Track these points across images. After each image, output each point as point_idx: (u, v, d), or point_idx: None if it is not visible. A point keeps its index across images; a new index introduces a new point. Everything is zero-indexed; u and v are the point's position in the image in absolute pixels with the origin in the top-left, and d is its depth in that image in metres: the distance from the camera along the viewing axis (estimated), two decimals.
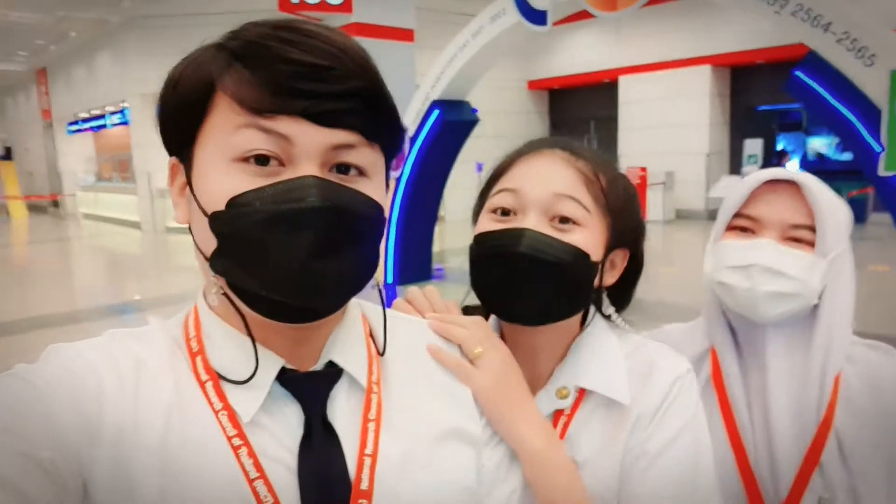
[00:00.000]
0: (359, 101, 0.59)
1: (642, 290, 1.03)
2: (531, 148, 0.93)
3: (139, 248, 12.95)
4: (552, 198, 0.85)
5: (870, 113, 4.15)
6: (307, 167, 0.58)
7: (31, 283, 9.33)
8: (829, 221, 0.98)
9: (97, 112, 17.32)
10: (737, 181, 1.04)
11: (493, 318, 0.96)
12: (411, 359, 0.74)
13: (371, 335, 0.73)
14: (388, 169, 0.68)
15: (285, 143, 0.57)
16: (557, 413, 0.89)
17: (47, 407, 0.54)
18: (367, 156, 0.62)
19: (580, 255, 0.85)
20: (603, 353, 0.91)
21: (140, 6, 12.75)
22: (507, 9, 6.04)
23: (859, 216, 11.17)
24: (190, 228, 0.63)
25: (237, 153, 0.58)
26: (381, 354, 0.71)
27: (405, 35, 8.58)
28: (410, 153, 7.15)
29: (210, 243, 0.59)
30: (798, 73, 4.44)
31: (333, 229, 0.57)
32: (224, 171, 0.58)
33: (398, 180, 7.28)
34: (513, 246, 0.83)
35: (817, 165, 18.21)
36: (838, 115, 4.31)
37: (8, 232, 16.37)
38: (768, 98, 13.03)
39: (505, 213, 0.88)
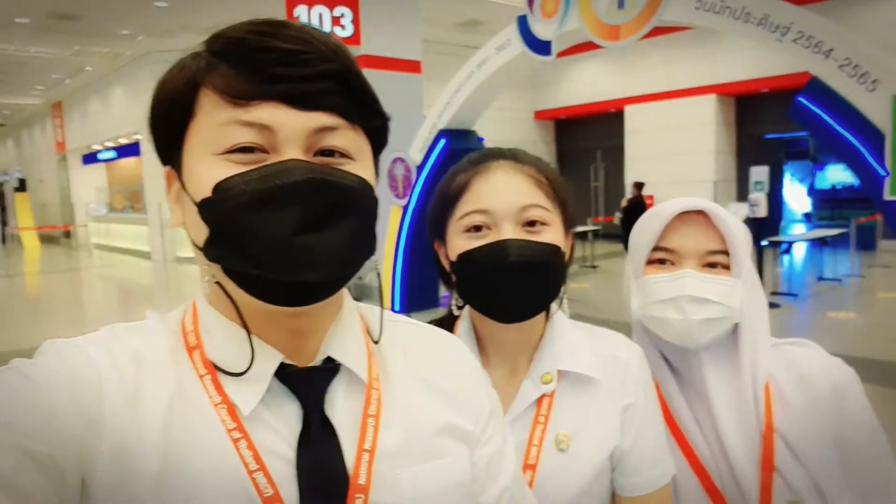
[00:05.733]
0: (334, 83, 0.60)
1: None
2: (479, 164, 0.98)
3: (149, 277, 13.03)
4: (520, 209, 0.93)
5: (874, 138, 4.16)
6: (291, 152, 0.59)
7: (42, 313, 9.40)
8: (740, 244, 1.03)
9: (110, 144, 17.61)
10: (648, 215, 1.09)
11: (464, 320, 1.04)
12: (407, 357, 0.74)
13: (368, 332, 0.73)
14: (376, 157, 0.69)
15: (268, 132, 0.59)
16: (542, 396, 0.97)
17: (45, 401, 0.54)
18: (351, 139, 0.63)
19: (555, 250, 0.94)
20: (569, 337, 1.01)
21: (153, 41, 13.06)
22: (512, 40, 6.14)
23: (868, 244, 11.08)
24: (185, 227, 0.64)
25: (222, 147, 0.59)
26: (377, 342, 0.72)
27: (413, 67, 8.71)
28: (417, 182, 7.21)
29: (202, 232, 0.60)
30: (801, 99, 4.47)
31: (319, 202, 0.58)
32: (211, 164, 0.59)
33: (405, 208, 7.32)
34: (502, 258, 0.91)
35: (828, 194, 18.19)
36: (843, 141, 4.33)
37: (20, 262, 16.54)
38: (775, 127, 13.08)
39: (477, 228, 0.94)
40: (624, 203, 11.09)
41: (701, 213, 1.04)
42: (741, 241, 1.03)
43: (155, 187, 14.04)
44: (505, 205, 0.93)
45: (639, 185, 11.11)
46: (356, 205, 0.61)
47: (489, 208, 0.93)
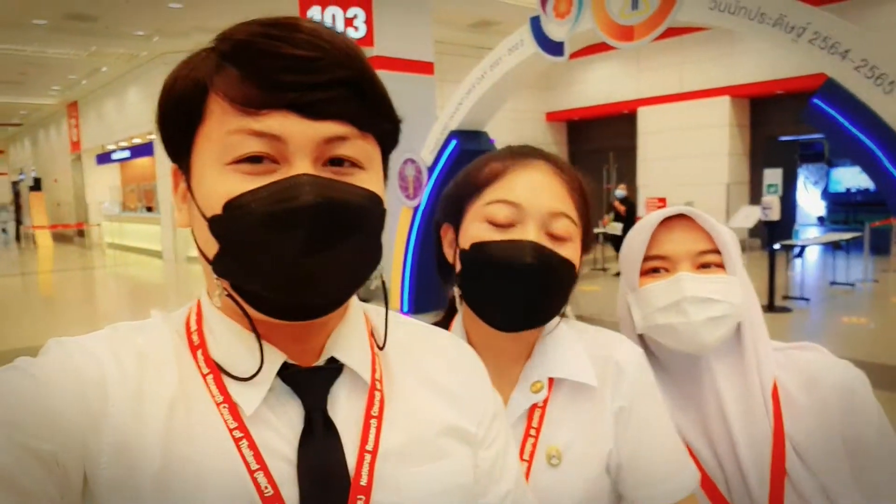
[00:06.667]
0: (346, 90, 0.59)
1: None
2: (519, 156, 0.96)
3: (161, 277, 13.12)
4: (549, 215, 0.90)
5: (890, 141, 4.11)
6: (300, 164, 0.58)
7: (56, 310, 9.49)
8: (729, 241, 1.04)
9: (125, 144, 17.74)
10: (634, 229, 1.10)
11: (457, 324, 1.01)
12: (412, 358, 0.74)
13: (372, 334, 0.73)
14: (385, 161, 0.68)
15: (277, 142, 0.58)
16: (532, 407, 0.93)
17: (49, 399, 0.54)
18: (361, 147, 0.62)
19: (571, 267, 0.92)
20: (564, 343, 0.97)
21: (168, 42, 13.14)
22: (524, 40, 6.13)
23: (883, 248, 10.95)
24: (192, 232, 0.64)
25: (231, 157, 0.58)
26: (381, 348, 0.72)
27: (425, 68, 8.71)
28: (428, 183, 7.21)
29: (211, 246, 0.60)
30: (816, 101, 4.43)
31: (328, 224, 0.57)
32: (220, 175, 0.59)
33: (416, 209, 7.33)
34: (521, 258, 0.87)
35: (842, 197, 18.00)
36: (858, 144, 4.28)
37: (34, 260, 16.69)
38: (789, 129, 12.96)
39: (500, 222, 0.90)
40: (620, 207, 10.99)
41: (684, 217, 1.04)
42: (728, 239, 1.04)
43: (168, 187, 14.00)
44: (537, 205, 0.89)
45: (628, 188, 11.15)
46: (364, 222, 0.61)
47: (521, 202, 0.89)
